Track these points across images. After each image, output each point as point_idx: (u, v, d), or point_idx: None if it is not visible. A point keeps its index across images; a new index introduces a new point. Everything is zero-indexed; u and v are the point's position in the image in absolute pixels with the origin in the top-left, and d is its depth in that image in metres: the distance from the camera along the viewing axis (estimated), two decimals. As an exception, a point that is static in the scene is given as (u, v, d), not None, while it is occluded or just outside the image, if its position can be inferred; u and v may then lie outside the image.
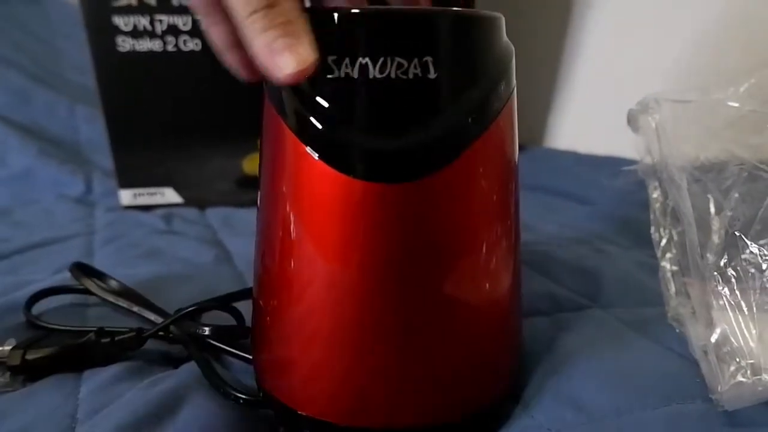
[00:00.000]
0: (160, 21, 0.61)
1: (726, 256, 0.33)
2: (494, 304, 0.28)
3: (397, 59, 0.23)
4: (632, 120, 0.41)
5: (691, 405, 0.29)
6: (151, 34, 0.62)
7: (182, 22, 0.62)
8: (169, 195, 0.68)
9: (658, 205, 0.41)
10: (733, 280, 0.33)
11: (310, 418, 0.27)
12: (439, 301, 0.26)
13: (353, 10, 0.23)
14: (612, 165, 0.75)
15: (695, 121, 0.38)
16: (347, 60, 0.23)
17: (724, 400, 0.28)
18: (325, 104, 0.24)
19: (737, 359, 0.30)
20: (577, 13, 0.86)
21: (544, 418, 0.30)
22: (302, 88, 0.24)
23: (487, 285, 0.27)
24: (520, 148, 0.29)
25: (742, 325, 0.31)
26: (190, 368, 0.33)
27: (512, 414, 0.30)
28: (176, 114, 0.66)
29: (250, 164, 0.67)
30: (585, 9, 0.85)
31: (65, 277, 0.46)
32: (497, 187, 0.27)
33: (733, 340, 0.31)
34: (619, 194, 0.67)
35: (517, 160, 0.28)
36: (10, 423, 0.29)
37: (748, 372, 0.29)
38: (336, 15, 0.23)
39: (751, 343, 0.31)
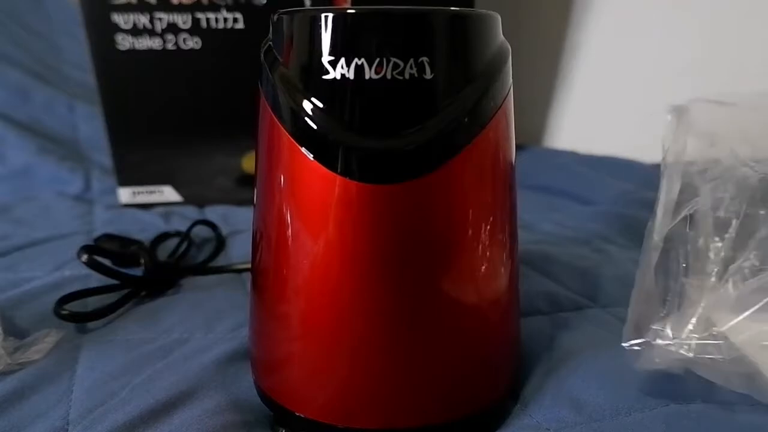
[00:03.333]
0: (160, 19, 0.61)
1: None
2: (492, 303, 0.28)
3: (393, 59, 0.23)
4: (670, 118, 0.41)
5: (691, 405, 0.29)
6: (151, 32, 0.62)
7: (182, 20, 0.61)
8: (168, 193, 0.68)
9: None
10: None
11: (308, 419, 0.27)
12: (436, 301, 0.26)
13: (349, 11, 0.23)
14: (612, 165, 0.75)
15: (728, 124, 0.38)
16: (343, 61, 0.23)
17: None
18: (321, 105, 0.24)
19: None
20: (577, 13, 0.86)
21: (543, 417, 0.29)
22: (298, 89, 0.24)
23: (485, 285, 0.27)
24: (520, 147, 0.29)
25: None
26: (186, 367, 0.33)
27: (511, 414, 0.30)
28: (175, 112, 0.66)
29: (250, 162, 0.67)
30: (585, 8, 0.85)
31: (64, 275, 0.46)
32: (494, 187, 0.27)
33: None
34: (618, 194, 0.67)
35: (514, 159, 0.28)
36: (2, 425, 0.29)
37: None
38: (331, 15, 0.23)
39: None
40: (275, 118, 0.25)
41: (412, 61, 0.23)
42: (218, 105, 0.65)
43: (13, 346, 0.35)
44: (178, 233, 0.54)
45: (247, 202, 0.65)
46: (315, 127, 0.24)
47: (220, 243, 0.54)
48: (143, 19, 0.61)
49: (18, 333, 0.37)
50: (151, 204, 0.68)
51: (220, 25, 0.62)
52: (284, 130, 0.25)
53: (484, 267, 0.27)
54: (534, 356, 0.34)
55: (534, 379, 0.32)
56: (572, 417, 0.29)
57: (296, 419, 0.28)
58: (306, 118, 0.24)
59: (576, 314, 0.40)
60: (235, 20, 0.62)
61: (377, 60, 0.23)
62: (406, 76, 0.23)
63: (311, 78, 0.24)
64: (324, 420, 0.27)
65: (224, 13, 0.62)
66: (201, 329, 0.38)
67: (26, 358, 0.34)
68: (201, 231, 0.55)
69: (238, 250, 0.53)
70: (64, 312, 0.38)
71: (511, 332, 0.31)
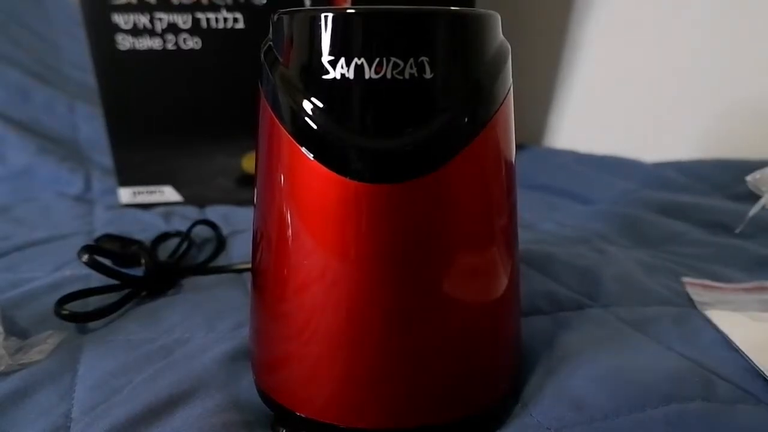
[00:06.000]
0: (160, 19, 0.61)
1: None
2: (492, 303, 0.28)
3: (393, 59, 0.23)
4: None
5: (691, 405, 0.29)
6: (151, 33, 0.62)
7: (182, 20, 0.62)
8: (169, 193, 0.68)
9: None
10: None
11: (308, 419, 0.27)
12: (437, 300, 0.26)
13: (348, 10, 0.23)
14: (612, 164, 0.75)
15: None
16: (343, 60, 0.23)
17: None
18: (321, 105, 0.24)
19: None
20: (577, 12, 0.86)
21: (543, 417, 0.29)
22: (298, 89, 0.24)
23: (485, 284, 0.27)
24: (520, 147, 0.29)
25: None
26: (187, 366, 0.33)
27: (512, 413, 0.30)
28: (176, 112, 0.66)
29: (250, 162, 0.67)
30: (585, 7, 0.85)
31: (65, 276, 0.46)
32: (494, 187, 0.27)
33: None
34: (619, 193, 0.67)
35: (514, 159, 0.28)
36: (4, 423, 0.29)
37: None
38: (331, 15, 0.23)
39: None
40: (275, 118, 0.25)
41: (412, 60, 0.23)
42: (218, 105, 0.65)
43: (15, 347, 0.35)
44: (178, 233, 0.54)
45: (247, 202, 0.65)
46: (315, 126, 0.24)
47: (220, 243, 0.54)
48: (143, 19, 0.61)
49: (19, 333, 0.37)
50: (151, 204, 0.68)
51: (220, 25, 0.62)
52: (284, 130, 0.25)
53: (484, 266, 0.27)
54: (534, 356, 0.34)
55: (534, 378, 0.32)
56: (573, 416, 0.29)
57: (296, 419, 0.28)
58: (306, 118, 0.24)
59: (576, 314, 0.40)
60: (235, 20, 0.62)
61: (377, 60, 0.23)
62: (406, 75, 0.23)
63: (311, 78, 0.24)
64: (324, 420, 0.27)
65: (224, 13, 0.62)
66: (201, 329, 0.38)
67: (28, 358, 0.34)
68: (201, 231, 0.55)
69: (239, 250, 0.53)
70: (64, 312, 0.38)
71: (511, 331, 0.31)
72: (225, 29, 0.62)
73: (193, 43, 0.63)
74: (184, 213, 0.65)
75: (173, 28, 0.62)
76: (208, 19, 0.62)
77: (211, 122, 0.66)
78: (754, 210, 0.41)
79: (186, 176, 0.68)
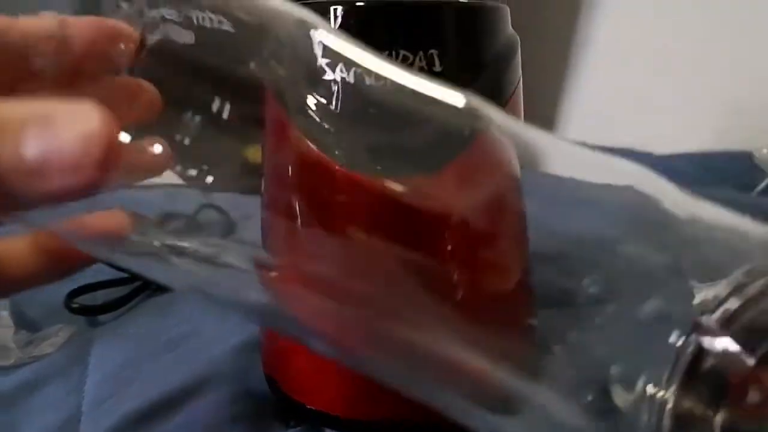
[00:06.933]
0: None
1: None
2: (502, 300, 0.28)
3: (403, 52, 0.23)
4: None
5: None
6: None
7: (176, 16, 0.61)
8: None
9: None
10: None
11: (318, 411, 0.27)
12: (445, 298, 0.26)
13: (358, 3, 0.23)
14: (621, 156, 0.74)
15: None
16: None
17: None
18: (327, 98, 0.24)
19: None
20: (587, 3, 0.85)
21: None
22: (305, 82, 0.24)
23: (492, 281, 0.27)
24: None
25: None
26: (197, 359, 0.33)
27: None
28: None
29: (253, 152, 0.67)
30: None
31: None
32: (502, 180, 0.26)
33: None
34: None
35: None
36: (16, 415, 0.29)
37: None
38: (339, 7, 0.23)
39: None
40: (283, 112, 0.25)
41: (421, 53, 0.23)
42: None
43: (25, 340, 0.35)
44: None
45: (251, 191, 0.65)
46: (319, 119, 0.24)
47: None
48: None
49: (29, 326, 0.37)
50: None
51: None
52: (291, 124, 0.25)
53: (492, 262, 0.27)
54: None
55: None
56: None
57: (306, 411, 0.28)
58: (311, 111, 0.24)
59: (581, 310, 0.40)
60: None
61: (386, 53, 0.23)
62: (416, 68, 0.23)
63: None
64: (334, 412, 0.27)
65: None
66: (212, 321, 0.38)
67: (39, 351, 0.34)
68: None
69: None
70: (74, 305, 0.38)
71: (522, 326, 0.30)
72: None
73: (188, 39, 0.62)
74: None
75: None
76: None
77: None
78: (761, 186, 0.40)
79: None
